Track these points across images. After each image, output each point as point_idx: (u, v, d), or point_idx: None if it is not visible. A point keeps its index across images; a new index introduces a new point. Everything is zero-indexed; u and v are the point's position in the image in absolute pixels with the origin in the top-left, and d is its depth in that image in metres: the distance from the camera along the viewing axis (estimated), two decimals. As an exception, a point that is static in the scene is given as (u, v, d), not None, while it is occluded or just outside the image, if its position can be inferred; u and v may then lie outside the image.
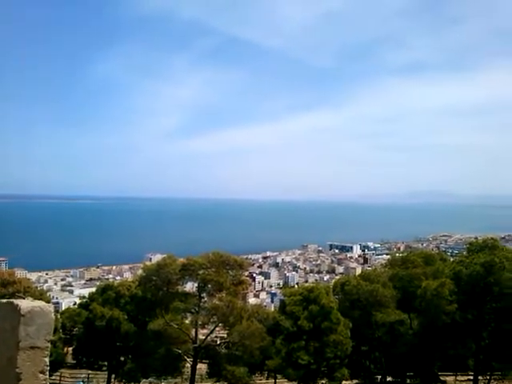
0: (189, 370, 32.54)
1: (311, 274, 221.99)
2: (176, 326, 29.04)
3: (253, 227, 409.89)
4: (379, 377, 36.44)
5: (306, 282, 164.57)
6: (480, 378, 34.46)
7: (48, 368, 5.15)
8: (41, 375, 5.07)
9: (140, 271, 37.71)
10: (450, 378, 42.48)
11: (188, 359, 30.81)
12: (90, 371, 39.58)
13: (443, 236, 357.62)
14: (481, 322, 31.26)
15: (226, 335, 33.16)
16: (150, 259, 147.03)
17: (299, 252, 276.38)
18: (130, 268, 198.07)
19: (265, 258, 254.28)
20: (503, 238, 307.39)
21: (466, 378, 41.35)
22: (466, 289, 30.37)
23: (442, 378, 39.47)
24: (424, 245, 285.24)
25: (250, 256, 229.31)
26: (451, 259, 40.96)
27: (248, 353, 28.27)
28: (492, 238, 35.97)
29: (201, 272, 29.15)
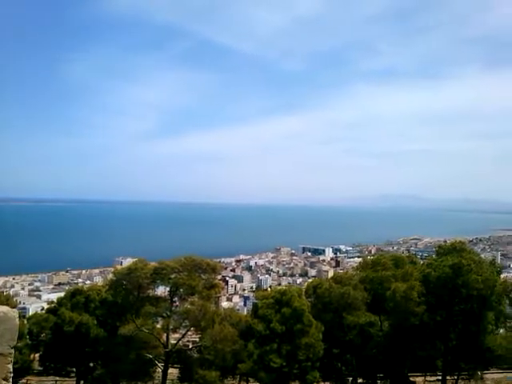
0: (160, 374, 32.16)
1: (284, 277, 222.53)
2: (147, 331, 28.68)
3: (226, 231, 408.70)
4: (350, 379, 36.76)
5: (279, 285, 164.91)
6: (448, 378, 35.19)
7: (11, 375, 5.01)
8: (4, 382, 4.93)
9: (110, 275, 37.17)
10: (419, 379, 43.19)
11: (159, 364, 30.47)
12: (57, 378, 38.65)
13: (413, 239, 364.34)
14: (449, 323, 31.93)
15: (198, 339, 32.93)
16: (121, 263, 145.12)
17: (272, 255, 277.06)
18: (101, 272, 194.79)
19: (238, 261, 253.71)
20: (471, 241, 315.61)
21: (434, 378, 42.11)
22: (435, 291, 30.98)
23: (411, 379, 40.11)
24: (395, 248, 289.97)
25: (222, 259, 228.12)
26: (421, 262, 41.69)
27: (220, 357, 28.13)
28: (460, 242, 36.85)
29: (173, 276, 28.90)
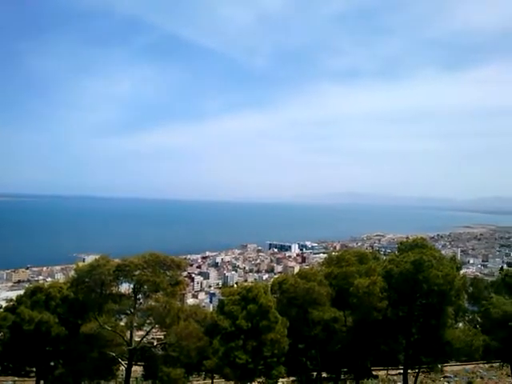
0: (123, 373, 31.72)
1: (250, 274, 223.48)
2: (110, 329, 28.18)
3: (191, 227, 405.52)
4: (315, 373, 37.14)
5: (246, 281, 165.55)
6: (409, 371, 36.03)
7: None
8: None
9: (72, 272, 36.26)
10: (381, 373, 44.16)
11: (122, 362, 29.98)
12: (16, 378, 37.63)
13: (377, 236, 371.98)
14: (410, 317, 32.66)
15: (162, 337, 32.59)
16: (84, 260, 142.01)
17: (239, 252, 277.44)
18: (62, 269, 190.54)
19: (204, 258, 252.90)
20: (432, 237, 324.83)
21: (396, 371, 43.14)
22: (397, 286, 31.59)
23: (374, 373, 40.92)
24: (359, 244, 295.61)
25: (188, 256, 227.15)
26: (383, 258, 42.49)
27: (185, 353, 27.95)
28: (421, 238, 37.71)
29: (136, 273, 28.46)
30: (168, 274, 29.57)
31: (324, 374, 38.57)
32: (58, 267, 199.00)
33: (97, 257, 30.46)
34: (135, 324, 29.49)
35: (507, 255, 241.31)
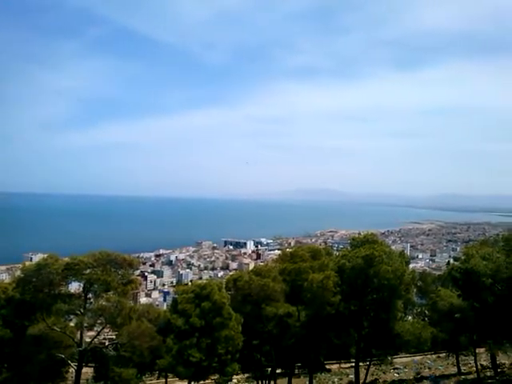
0: (73, 375, 30.80)
1: (205, 271, 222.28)
2: (59, 330, 27.37)
3: (144, 225, 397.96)
4: (269, 369, 37.36)
5: (200, 279, 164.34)
6: (361, 364, 36.86)
7: None
8: None
9: (18, 272, 34.68)
10: (334, 366, 45.05)
11: (72, 364, 29.12)
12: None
13: (330, 232, 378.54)
14: (362, 311, 33.39)
15: (114, 337, 31.84)
16: (31, 259, 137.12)
17: (193, 249, 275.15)
18: (8, 269, 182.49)
19: (157, 256, 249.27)
20: (383, 233, 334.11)
21: (348, 365, 44.09)
22: (349, 281, 32.21)
23: (327, 367, 41.64)
24: (313, 240, 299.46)
25: (141, 254, 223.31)
26: (336, 253, 43.23)
27: (137, 353, 27.52)
28: (372, 234, 38.64)
29: (86, 272, 27.69)
30: (119, 272, 28.96)
31: (278, 370, 38.90)
32: (2, 267, 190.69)
33: (45, 256, 29.41)
34: (85, 324, 28.71)
35: (454, 250, 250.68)
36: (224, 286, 33.84)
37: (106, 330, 32.50)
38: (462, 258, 35.58)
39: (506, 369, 39.88)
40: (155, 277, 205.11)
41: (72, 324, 29.93)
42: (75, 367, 29.02)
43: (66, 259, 28.31)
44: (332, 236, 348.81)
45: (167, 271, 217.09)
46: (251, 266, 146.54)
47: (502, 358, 41.68)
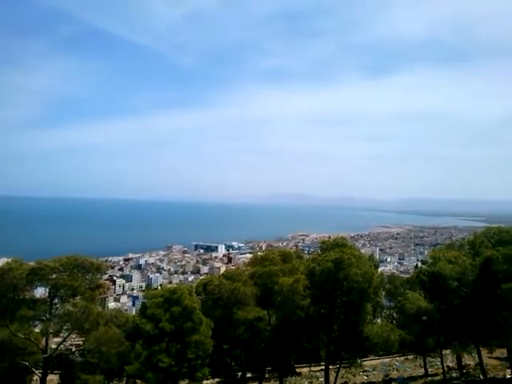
0: (38, 382, 29.92)
1: (176, 275, 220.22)
2: (23, 336, 26.53)
3: (113, 228, 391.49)
4: (240, 373, 37.22)
5: (170, 283, 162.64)
6: (331, 367, 37.06)
7: None
8: None
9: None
10: (304, 370, 45.15)
11: (37, 371, 28.27)
12: None
13: (301, 235, 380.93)
14: (332, 314, 33.62)
15: (81, 342, 31.14)
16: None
17: (164, 253, 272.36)
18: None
19: (126, 260, 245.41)
20: (353, 237, 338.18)
21: (319, 368, 44.25)
22: (319, 284, 32.37)
23: (297, 370, 41.73)
24: (284, 243, 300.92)
25: (110, 258, 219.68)
26: (307, 257, 43.44)
27: (105, 359, 26.99)
28: (342, 237, 38.94)
29: (52, 276, 27.02)
30: (87, 277, 28.40)
31: (249, 374, 38.78)
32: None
33: (9, 260, 28.59)
34: (51, 330, 27.98)
35: (421, 253, 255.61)
36: (194, 290, 33.56)
37: (72, 336, 31.79)
38: (429, 261, 36.24)
39: (471, 369, 40.82)
40: (124, 281, 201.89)
41: (37, 330, 29.05)
42: (40, 375, 28.16)
43: (32, 264, 27.58)
44: (303, 239, 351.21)
45: (136, 275, 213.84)
46: (222, 270, 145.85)
47: (467, 359, 42.67)
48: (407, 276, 58.60)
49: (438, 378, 39.74)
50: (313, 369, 45.71)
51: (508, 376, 32.65)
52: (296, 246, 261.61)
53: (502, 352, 38.33)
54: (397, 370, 46.34)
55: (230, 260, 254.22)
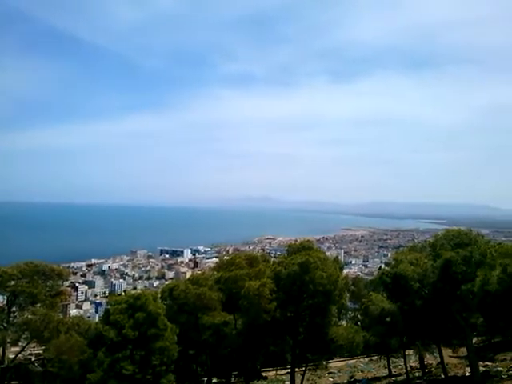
0: (-6, 395, 28.85)
1: (140, 281, 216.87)
2: (-22, 347, 25.53)
3: (75, 233, 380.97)
4: (205, 379, 36.90)
5: (135, 289, 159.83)
6: (297, 369, 37.17)
7: None
8: None
9: None
10: (271, 373, 45.14)
11: (-7, 383, 27.28)
12: None
13: (268, 239, 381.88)
14: (298, 317, 33.75)
15: (41, 351, 30.23)
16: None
17: (128, 258, 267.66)
18: None
19: (89, 265, 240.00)
20: (318, 239, 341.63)
21: (285, 371, 44.34)
22: (285, 287, 32.47)
23: (263, 374, 41.73)
24: (251, 247, 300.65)
25: (72, 264, 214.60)
26: (273, 260, 43.51)
27: (66, 368, 26.25)
28: (308, 241, 39.23)
29: (11, 284, 26.14)
30: (48, 284, 27.67)
31: (214, 379, 38.52)
32: None
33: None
34: (9, 340, 27.10)
35: (385, 255, 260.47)
36: (159, 295, 33.12)
37: (31, 345, 30.84)
38: (392, 263, 36.88)
39: (433, 369, 41.71)
40: (87, 287, 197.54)
41: (-6, 339, 28.09)
42: (-4, 386, 27.24)
43: (-12, 271, 26.64)
44: (270, 243, 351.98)
45: (99, 281, 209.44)
46: (188, 275, 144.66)
47: (429, 359, 43.61)
48: (371, 278, 59.44)
49: (401, 377, 40.42)
50: (279, 372, 45.76)
51: (467, 374, 33.48)
52: (263, 250, 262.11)
53: (462, 351, 39.37)
54: (361, 371, 46.93)
55: (196, 265, 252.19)
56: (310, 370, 39.38)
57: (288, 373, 40.70)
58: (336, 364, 49.18)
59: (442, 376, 34.75)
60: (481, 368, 31.55)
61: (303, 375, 38.33)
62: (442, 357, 34.89)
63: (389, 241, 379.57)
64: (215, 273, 37.99)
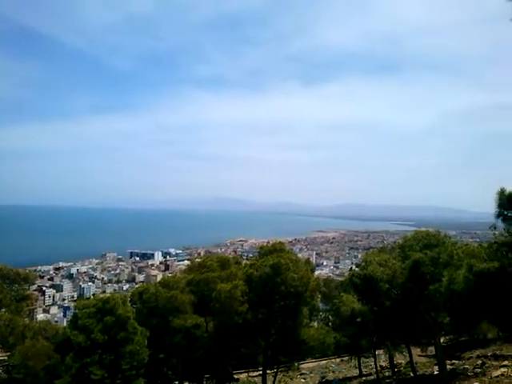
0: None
1: (110, 284, 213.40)
2: None
3: (41, 236, 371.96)
4: (177, 382, 36.53)
5: (104, 292, 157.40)
6: (268, 371, 37.20)
7: None
8: None
9: None
10: (243, 376, 45.02)
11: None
12: None
13: (240, 241, 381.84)
14: (269, 319, 33.77)
15: (6, 357, 29.37)
16: None
17: (97, 261, 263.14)
18: None
19: (57, 269, 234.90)
20: (290, 241, 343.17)
21: (256, 373, 44.31)
22: (257, 290, 32.47)
23: (235, 377, 41.52)
24: (223, 249, 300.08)
25: (39, 268, 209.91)
26: (245, 262, 43.46)
27: (32, 374, 25.55)
28: (280, 242, 39.34)
29: (-27, 288, 25.29)
30: (13, 288, 26.87)
31: (186, 383, 38.12)
32: None
33: None
34: (-30, 347, 26.20)
35: (355, 257, 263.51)
36: (129, 299, 32.64)
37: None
38: (362, 264, 37.30)
39: (402, 368, 42.38)
40: (54, 291, 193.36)
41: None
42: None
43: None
44: (242, 245, 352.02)
45: (67, 285, 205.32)
46: (159, 278, 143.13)
47: (398, 358, 44.27)
48: (342, 279, 59.97)
49: (371, 377, 40.93)
50: (251, 374, 45.70)
51: (436, 372, 34.11)
52: (235, 252, 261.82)
53: (430, 350, 40.15)
54: (333, 372, 47.31)
55: (167, 267, 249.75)
56: (281, 371, 39.46)
57: (260, 375, 40.68)
58: (308, 365, 49.43)
59: (411, 375, 35.33)
60: (448, 366, 32.17)
61: (275, 377, 38.38)
62: (411, 356, 35.47)
63: (359, 242, 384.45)
64: (186, 275, 37.64)
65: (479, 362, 32.94)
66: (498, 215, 11.52)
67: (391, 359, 41.82)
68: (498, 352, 35.35)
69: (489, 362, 32.07)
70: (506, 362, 30.01)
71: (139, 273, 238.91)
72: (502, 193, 11.38)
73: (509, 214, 11.35)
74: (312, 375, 46.33)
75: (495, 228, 14.47)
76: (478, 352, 38.30)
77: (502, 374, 26.31)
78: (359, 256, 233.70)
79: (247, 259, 62.27)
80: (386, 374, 41.52)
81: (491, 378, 26.25)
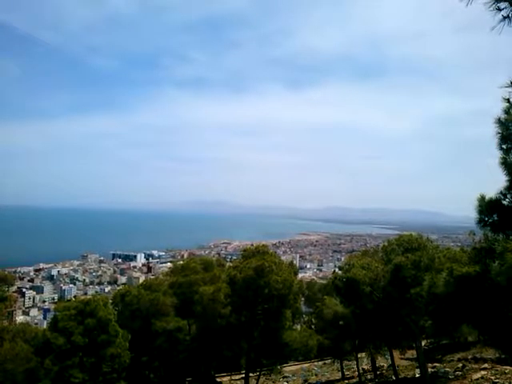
0: None
1: (91, 286, 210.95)
2: None
3: (19, 236, 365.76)
4: (158, 386, 36.26)
5: (85, 294, 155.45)
6: (251, 374, 37.15)
7: None
8: None
9: None
10: (225, 379, 44.89)
11: None
12: None
13: (223, 243, 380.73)
14: (252, 322, 33.74)
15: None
16: None
17: (78, 263, 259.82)
18: None
19: (37, 270, 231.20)
20: (274, 244, 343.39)
21: (239, 376, 44.23)
22: (240, 292, 32.42)
23: (218, 379, 41.42)
24: (206, 252, 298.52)
25: (18, 269, 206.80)
26: (228, 265, 43.39)
27: (10, 378, 25.04)
28: (263, 245, 39.34)
29: (-49, 290, 24.79)
30: (-8, 289, 26.36)
31: (168, 386, 37.90)
32: None
33: None
34: None
35: (339, 260, 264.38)
36: (111, 301, 32.36)
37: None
38: (345, 267, 37.52)
39: (384, 371, 42.67)
40: (34, 293, 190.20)
41: None
42: None
43: None
44: (225, 247, 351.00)
45: (48, 287, 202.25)
46: (141, 280, 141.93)
47: (380, 361, 44.63)
48: (325, 282, 60.23)
49: (354, 380, 41.12)
50: (233, 377, 45.60)
51: (417, 375, 34.42)
52: (218, 254, 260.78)
53: (412, 353, 40.50)
54: (315, 375, 47.41)
55: (149, 269, 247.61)
56: (264, 374, 39.44)
57: (242, 378, 40.62)
58: (290, 368, 49.48)
59: (393, 378, 35.57)
60: (430, 369, 32.50)
61: (258, 380, 38.37)
62: (392, 359, 35.73)
63: (342, 245, 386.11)
64: (169, 278, 37.47)
65: (460, 364, 33.37)
66: (479, 221, 11.63)
67: (373, 362, 42.10)
68: (478, 355, 35.88)
69: (469, 365, 32.53)
70: (485, 365, 30.45)
71: (121, 275, 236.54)
72: (482, 199, 11.50)
73: (489, 221, 11.47)
74: (295, 378, 46.37)
75: (474, 234, 14.65)
76: (458, 355, 38.78)
77: (482, 377, 26.71)
78: (342, 259, 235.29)
79: (231, 261, 62.12)
80: (369, 377, 41.75)
81: (471, 380, 26.62)
